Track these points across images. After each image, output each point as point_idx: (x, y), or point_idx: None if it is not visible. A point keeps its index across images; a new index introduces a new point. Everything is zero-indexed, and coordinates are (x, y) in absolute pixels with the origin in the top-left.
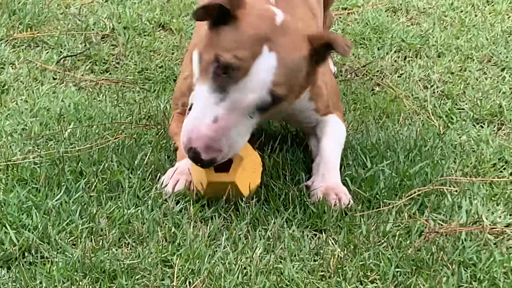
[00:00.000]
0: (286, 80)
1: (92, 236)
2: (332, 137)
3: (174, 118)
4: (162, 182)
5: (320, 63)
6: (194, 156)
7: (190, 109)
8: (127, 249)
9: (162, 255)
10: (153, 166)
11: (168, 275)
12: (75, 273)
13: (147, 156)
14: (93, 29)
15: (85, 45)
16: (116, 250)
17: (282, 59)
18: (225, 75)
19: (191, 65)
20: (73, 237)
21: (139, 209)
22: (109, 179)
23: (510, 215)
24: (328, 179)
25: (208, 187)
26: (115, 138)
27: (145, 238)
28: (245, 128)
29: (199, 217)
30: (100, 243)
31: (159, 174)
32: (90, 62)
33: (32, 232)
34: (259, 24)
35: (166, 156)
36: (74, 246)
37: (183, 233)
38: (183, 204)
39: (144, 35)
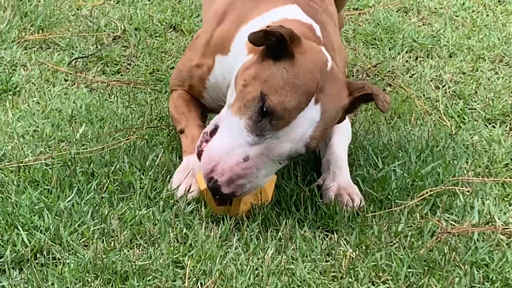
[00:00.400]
0: (322, 132)
1: (104, 237)
2: (340, 132)
3: (176, 96)
4: (172, 183)
5: (349, 112)
6: (214, 187)
7: (212, 132)
8: (139, 250)
9: (174, 256)
10: (164, 167)
11: (179, 276)
12: (87, 274)
13: (159, 157)
14: (104, 31)
15: (96, 47)
16: (128, 251)
17: (325, 112)
18: (266, 119)
19: (204, 59)
20: (85, 238)
21: (150, 210)
22: (121, 180)
23: None
24: (339, 177)
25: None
26: (126, 139)
27: (156, 239)
28: (272, 171)
29: (211, 218)
30: (112, 244)
31: (170, 175)
32: (102, 64)
33: (44, 234)
34: (313, 69)
35: (177, 157)
36: (85, 247)
37: (195, 234)
38: (194, 205)
39: (155, 36)
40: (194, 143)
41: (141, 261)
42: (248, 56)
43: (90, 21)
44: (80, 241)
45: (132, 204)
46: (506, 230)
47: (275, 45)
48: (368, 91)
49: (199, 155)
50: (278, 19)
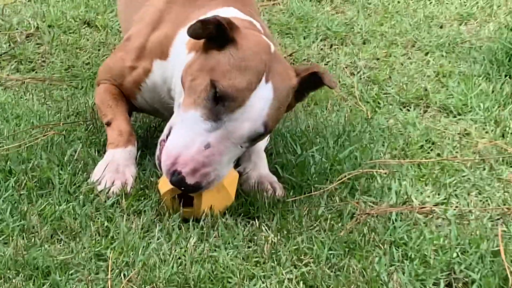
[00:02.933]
0: (277, 111)
1: (24, 234)
2: None
3: (103, 89)
4: (93, 178)
5: (300, 99)
6: (178, 180)
7: (168, 136)
8: (60, 245)
9: (96, 249)
10: (83, 161)
11: (102, 268)
12: (8, 271)
13: (77, 152)
14: (17, 29)
15: (9, 45)
16: (49, 246)
17: (277, 90)
18: (221, 103)
19: (140, 62)
20: (5, 236)
21: (70, 204)
22: (39, 176)
23: (438, 194)
24: (260, 167)
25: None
26: (43, 136)
27: (77, 233)
28: (234, 157)
29: (132, 210)
30: (32, 240)
31: (89, 169)
32: (16, 62)
33: None
34: (258, 51)
35: (96, 151)
36: (6, 245)
37: (116, 226)
38: (115, 198)
39: (70, 33)
40: (121, 136)
41: (62, 256)
42: (189, 55)
43: (2, 20)
44: (0, 239)
45: (52, 199)
46: (422, 209)
47: (215, 34)
48: (315, 69)
49: (159, 165)
50: None
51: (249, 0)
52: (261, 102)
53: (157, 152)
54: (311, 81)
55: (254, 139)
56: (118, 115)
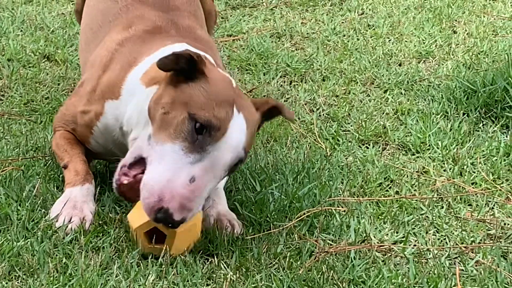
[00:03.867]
0: (250, 140)
1: None
2: None
3: (59, 136)
4: (51, 215)
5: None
6: (165, 217)
7: (133, 164)
8: (17, 282)
9: (54, 287)
10: (42, 197)
11: None
12: None
13: (36, 188)
14: None
15: None
16: (6, 283)
17: (248, 120)
18: (203, 135)
19: (91, 105)
20: None
21: (28, 241)
22: None
23: (396, 232)
24: (218, 205)
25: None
26: (2, 171)
27: (35, 270)
28: (215, 185)
29: (90, 247)
30: None
31: (48, 205)
32: None
33: None
34: (225, 85)
35: (55, 187)
36: None
37: (75, 263)
38: (73, 235)
39: (29, 67)
40: (77, 175)
41: None
42: (150, 88)
43: None
44: None
45: (10, 235)
46: (381, 247)
47: (185, 68)
48: (274, 104)
49: (119, 190)
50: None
51: (204, 40)
52: (237, 130)
53: (116, 176)
54: (268, 113)
55: (233, 167)
56: (74, 157)
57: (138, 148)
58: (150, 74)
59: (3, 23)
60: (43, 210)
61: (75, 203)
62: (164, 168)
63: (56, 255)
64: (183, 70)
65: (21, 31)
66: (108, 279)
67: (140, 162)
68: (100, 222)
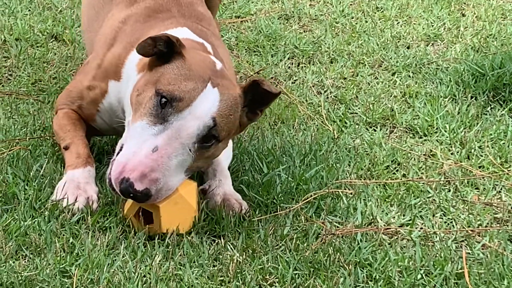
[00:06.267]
0: (226, 116)
1: None
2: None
3: (62, 115)
4: (55, 196)
5: (253, 119)
6: (126, 187)
7: (119, 152)
8: (25, 261)
9: (61, 266)
10: (49, 177)
11: (67, 285)
12: None
13: (43, 168)
14: None
15: None
16: (13, 262)
17: (223, 95)
18: (168, 106)
19: (96, 82)
20: None
21: (35, 220)
22: (5, 191)
23: (403, 215)
24: (225, 184)
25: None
26: (9, 150)
27: (42, 249)
28: (182, 162)
29: (97, 227)
30: None
31: (55, 185)
32: None
33: None
34: (203, 64)
35: (62, 167)
36: None
37: (81, 243)
38: (80, 214)
39: (37, 47)
40: (79, 158)
41: (27, 272)
42: (138, 75)
43: None
44: None
45: (17, 215)
46: (387, 230)
47: (164, 51)
48: (255, 79)
49: (109, 183)
50: None
51: (204, 17)
52: (208, 102)
53: (108, 171)
54: (257, 95)
55: (203, 138)
56: (76, 139)
57: (122, 138)
58: (143, 60)
59: (11, 3)
60: (50, 189)
61: (78, 184)
62: (131, 143)
63: (63, 235)
64: (162, 53)
65: (29, 10)
66: (115, 259)
67: None
68: (107, 201)
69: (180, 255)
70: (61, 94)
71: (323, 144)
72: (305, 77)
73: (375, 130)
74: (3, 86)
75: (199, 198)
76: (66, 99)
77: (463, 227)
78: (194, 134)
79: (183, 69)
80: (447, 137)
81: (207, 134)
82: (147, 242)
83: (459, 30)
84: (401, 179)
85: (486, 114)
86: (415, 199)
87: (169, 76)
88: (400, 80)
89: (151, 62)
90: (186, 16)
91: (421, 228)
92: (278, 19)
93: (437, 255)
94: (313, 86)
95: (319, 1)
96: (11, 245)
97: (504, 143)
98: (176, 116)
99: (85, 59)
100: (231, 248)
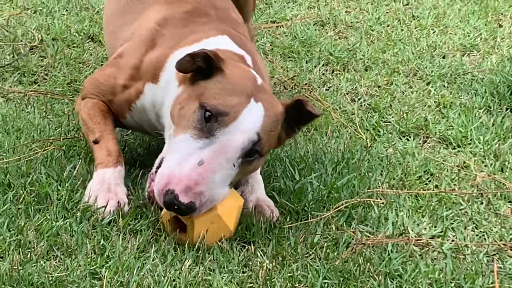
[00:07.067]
0: (269, 131)
1: (20, 249)
2: None
3: (92, 105)
4: (86, 198)
5: (290, 135)
6: (171, 199)
7: (159, 166)
8: (56, 262)
9: (91, 268)
10: (82, 178)
11: (96, 287)
12: (3, 286)
13: (76, 168)
14: (21, 40)
15: (13, 56)
16: (45, 262)
17: (267, 110)
18: (213, 120)
19: (133, 82)
20: (1, 250)
21: (67, 221)
22: (38, 191)
23: (435, 227)
24: (257, 190)
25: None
26: (43, 150)
27: (73, 250)
28: (227, 177)
29: (128, 230)
30: (28, 255)
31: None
32: (19, 74)
33: None
34: (244, 78)
35: (95, 168)
36: (1, 259)
37: (112, 245)
38: (112, 217)
39: (73, 47)
40: (110, 156)
41: (58, 273)
42: (179, 88)
43: (7, 31)
44: None
45: (49, 215)
46: (418, 241)
47: (202, 67)
48: (298, 98)
49: (149, 196)
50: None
51: (239, 24)
52: (253, 117)
53: (147, 186)
54: (297, 112)
55: (247, 152)
56: (106, 134)
57: (162, 152)
58: None
59: (49, 2)
60: (82, 190)
61: (109, 186)
62: (175, 156)
63: (94, 237)
64: (201, 69)
65: (67, 10)
66: (145, 263)
67: None
68: (139, 204)
69: (210, 261)
70: (89, 80)
71: (355, 153)
72: (339, 84)
73: (408, 140)
74: (39, 85)
75: (240, 216)
76: (95, 89)
77: (495, 241)
78: (239, 148)
79: (225, 83)
80: (480, 148)
81: (251, 149)
82: (177, 246)
83: (495, 41)
84: (433, 190)
85: None
86: (447, 210)
87: (213, 90)
88: (434, 90)
89: (191, 77)
90: (224, 20)
91: (453, 241)
92: (313, 25)
93: (468, 268)
94: (347, 94)
95: (355, 8)
96: (43, 245)
97: None
98: (222, 130)
99: None
100: (261, 255)
